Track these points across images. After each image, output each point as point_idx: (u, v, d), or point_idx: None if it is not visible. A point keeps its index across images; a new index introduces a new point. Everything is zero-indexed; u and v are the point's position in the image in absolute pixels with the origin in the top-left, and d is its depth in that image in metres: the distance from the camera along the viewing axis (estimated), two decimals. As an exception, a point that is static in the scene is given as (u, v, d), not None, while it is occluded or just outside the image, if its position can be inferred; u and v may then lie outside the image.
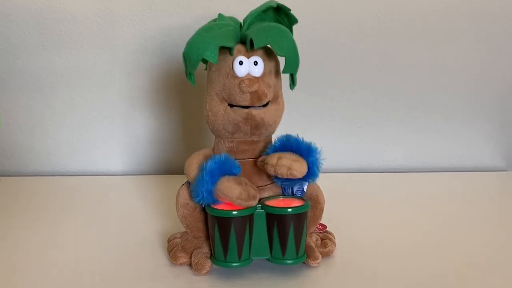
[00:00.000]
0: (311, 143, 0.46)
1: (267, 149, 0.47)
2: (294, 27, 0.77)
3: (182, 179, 0.50)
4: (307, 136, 0.81)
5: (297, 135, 0.47)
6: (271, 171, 0.45)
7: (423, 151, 0.84)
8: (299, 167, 0.44)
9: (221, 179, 0.44)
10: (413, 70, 0.81)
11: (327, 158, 0.87)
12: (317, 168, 0.45)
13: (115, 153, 0.83)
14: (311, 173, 0.45)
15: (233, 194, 0.44)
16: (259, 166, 0.47)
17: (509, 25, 0.79)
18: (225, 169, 0.45)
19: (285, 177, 0.44)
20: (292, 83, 0.48)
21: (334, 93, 0.81)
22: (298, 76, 0.83)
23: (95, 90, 0.80)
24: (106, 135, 0.82)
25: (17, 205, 0.68)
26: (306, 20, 0.77)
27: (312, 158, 0.45)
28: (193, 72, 0.45)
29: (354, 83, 0.81)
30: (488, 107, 0.83)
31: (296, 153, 0.45)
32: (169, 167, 0.82)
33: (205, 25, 0.46)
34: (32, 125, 0.81)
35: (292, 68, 0.45)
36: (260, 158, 0.47)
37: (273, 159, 0.45)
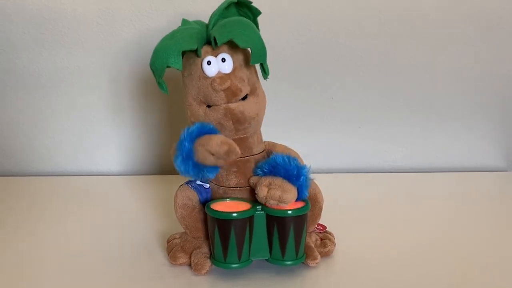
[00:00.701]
0: (298, 164, 0.46)
1: (256, 169, 0.47)
2: (295, 27, 0.78)
3: (181, 179, 0.50)
4: (307, 136, 0.82)
5: (283, 157, 0.46)
6: (261, 201, 0.45)
7: (424, 151, 0.84)
8: (288, 198, 0.44)
9: (200, 137, 0.44)
10: (413, 70, 0.81)
11: (327, 158, 0.87)
12: (306, 189, 0.46)
13: (115, 153, 0.83)
14: (299, 196, 0.46)
15: (212, 142, 0.42)
16: (250, 186, 0.47)
17: (510, 25, 0.79)
18: (204, 130, 0.45)
19: (275, 208, 0.45)
20: (264, 72, 0.48)
21: (334, 93, 0.81)
22: (298, 76, 0.83)
23: (95, 90, 0.80)
24: (106, 135, 0.82)
25: (17, 204, 0.68)
26: (306, 20, 0.77)
27: (300, 182, 0.45)
28: (162, 81, 0.46)
29: (354, 83, 0.81)
30: (489, 107, 0.83)
31: (285, 178, 0.45)
32: (169, 167, 0.82)
33: (169, 32, 0.47)
34: (32, 125, 0.81)
35: (259, 58, 0.45)
36: (251, 180, 0.47)
37: (263, 190, 0.45)
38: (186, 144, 0.43)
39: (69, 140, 0.82)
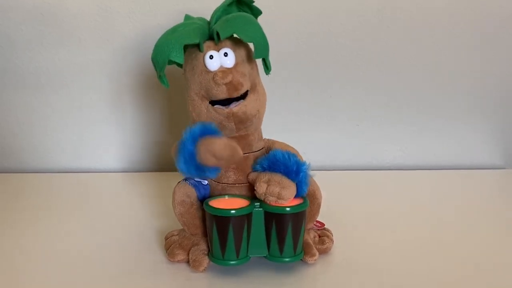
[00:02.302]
0: (297, 161, 0.46)
1: (256, 164, 0.47)
2: (294, 25, 0.78)
3: (179, 176, 0.50)
4: (306, 135, 0.82)
5: (283, 153, 0.46)
6: (260, 197, 0.45)
7: (422, 149, 0.84)
8: (287, 194, 0.44)
9: (203, 138, 0.44)
10: (412, 69, 0.81)
11: (326, 156, 0.87)
12: (305, 185, 0.46)
13: (113, 150, 0.83)
14: (298, 192, 0.46)
15: (215, 145, 0.42)
16: (249, 182, 0.47)
17: (508, 25, 0.79)
18: (206, 131, 0.44)
19: (273, 205, 0.45)
20: (266, 67, 0.48)
21: (333, 92, 0.81)
22: (297, 75, 0.83)
23: (93, 88, 0.80)
24: (105, 132, 0.82)
25: (16, 202, 0.68)
26: (306, 18, 0.77)
27: (300, 177, 0.45)
28: (163, 74, 0.46)
29: (353, 81, 0.81)
30: (487, 106, 0.83)
31: (284, 174, 0.45)
32: (168, 165, 0.82)
33: (171, 27, 0.47)
34: (31, 123, 0.81)
35: (262, 53, 0.45)
36: (250, 176, 0.47)
37: (262, 186, 0.45)
38: (189, 145, 0.43)
39: (69, 138, 0.82)
